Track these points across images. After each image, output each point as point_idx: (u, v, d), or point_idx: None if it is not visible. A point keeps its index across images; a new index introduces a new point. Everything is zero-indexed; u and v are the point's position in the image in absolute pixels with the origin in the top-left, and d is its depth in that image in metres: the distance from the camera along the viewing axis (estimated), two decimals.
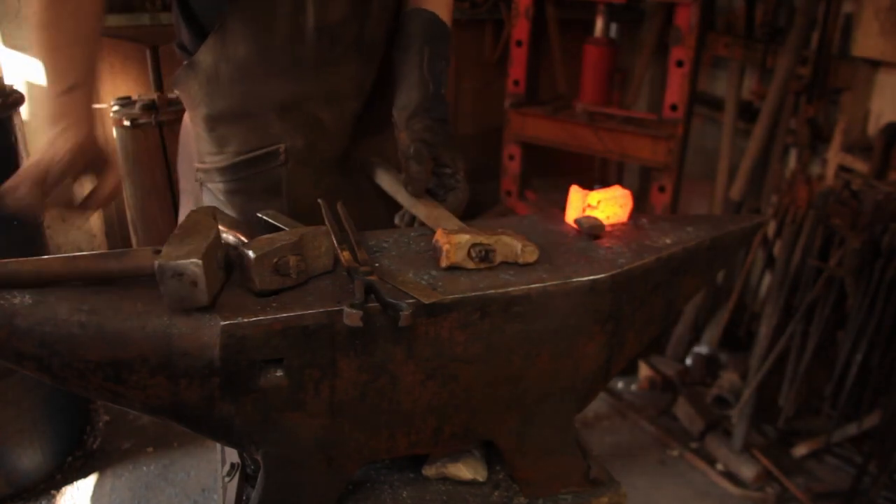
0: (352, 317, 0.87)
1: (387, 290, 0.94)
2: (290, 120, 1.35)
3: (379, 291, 0.92)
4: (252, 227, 1.09)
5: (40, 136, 1.12)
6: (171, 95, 2.78)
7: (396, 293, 0.95)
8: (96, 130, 1.15)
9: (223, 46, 1.26)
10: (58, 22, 1.14)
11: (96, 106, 3.02)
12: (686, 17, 2.64)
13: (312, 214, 1.30)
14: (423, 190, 1.24)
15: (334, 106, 1.37)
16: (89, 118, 1.15)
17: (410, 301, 0.92)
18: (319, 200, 1.15)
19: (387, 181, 1.33)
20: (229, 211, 1.36)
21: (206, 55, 1.29)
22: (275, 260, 0.94)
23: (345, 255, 1.00)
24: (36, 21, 1.13)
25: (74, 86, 1.13)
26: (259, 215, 1.15)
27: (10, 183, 1.06)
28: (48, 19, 1.13)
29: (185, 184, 1.54)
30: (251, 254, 0.93)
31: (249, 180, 1.37)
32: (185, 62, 1.33)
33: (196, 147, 1.42)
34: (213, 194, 1.42)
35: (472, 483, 1.16)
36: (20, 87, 2.20)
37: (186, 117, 1.49)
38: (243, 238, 1.04)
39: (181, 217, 1.53)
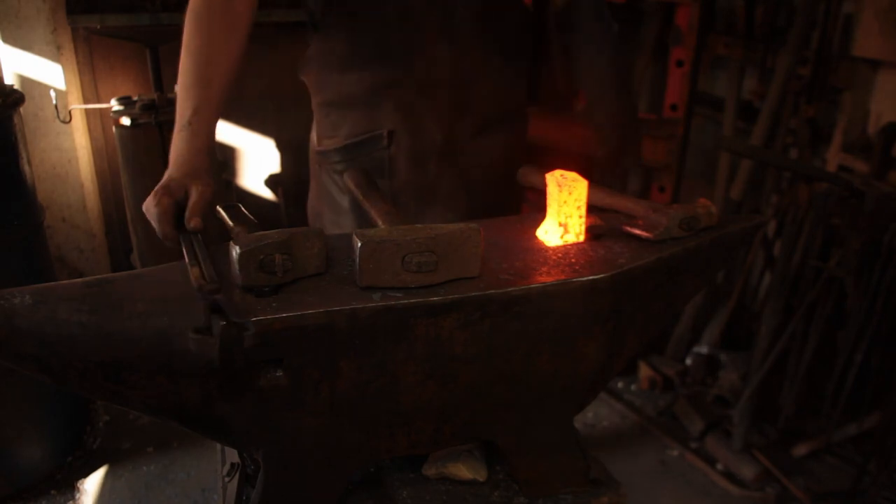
0: (200, 344, 0.85)
1: (235, 307, 0.90)
2: (389, 107, 1.44)
3: (224, 311, 0.88)
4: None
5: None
6: (170, 95, 2.78)
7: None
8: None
9: (326, 40, 1.43)
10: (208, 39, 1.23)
11: (96, 106, 3.01)
12: (686, 17, 2.64)
13: (414, 197, 1.47)
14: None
15: (427, 94, 1.44)
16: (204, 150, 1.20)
17: (258, 319, 0.89)
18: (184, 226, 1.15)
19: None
20: (344, 188, 1.49)
21: (315, 49, 1.47)
22: (260, 257, 0.94)
23: (194, 273, 0.93)
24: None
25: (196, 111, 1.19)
26: (218, 208, 1.15)
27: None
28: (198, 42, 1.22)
29: (312, 165, 1.67)
30: (237, 249, 0.93)
31: (358, 162, 1.47)
32: (306, 53, 1.50)
33: (316, 132, 1.57)
34: (328, 173, 1.55)
35: (472, 483, 1.16)
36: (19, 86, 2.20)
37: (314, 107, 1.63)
38: (244, 233, 1.04)
39: (310, 197, 1.66)
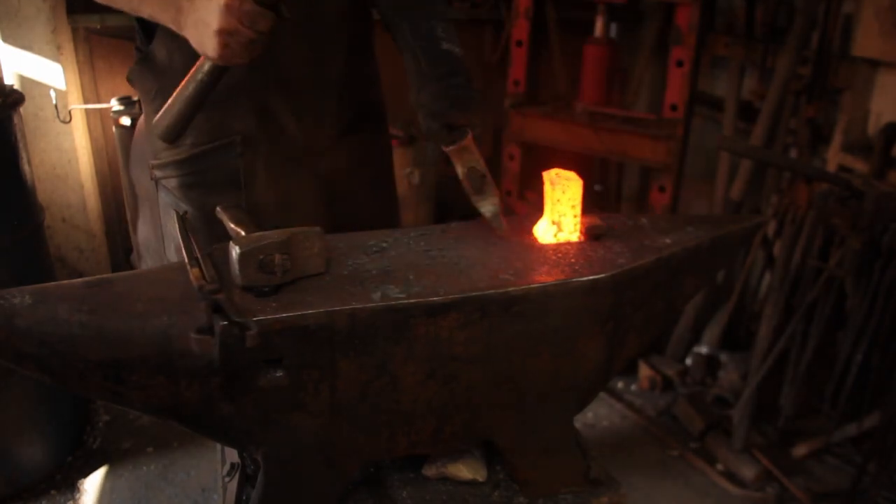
0: (202, 344, 0.84)
1: (235, 307, 0.90)
2: (243, 109, 1.31)
3: (225, 311, 0.88)
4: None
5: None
6: None
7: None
8: None
9: (174, 36, 1.21)
10: None
11: (96, 106, 3.00)
12: (686, 17, 2.64)
13: (274, 210, 1.31)
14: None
15: (286, 94, 1.33)
16: None
17: (258, 320, 0.89)
18: (177, 211, 1.10)
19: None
20: (185, 207, 1.33)
21: (159, 47, 1.29)
22: (260, 257, 0.94)
23: (194, 273, 0.93)
24: None
25: None
26: (218, 209, 1.14)
27: None
28: None
29: (140, 188, 1.49)
30: (237, 249, 0.93)
31: (207, 173, 1.34)
32: (140, 56, 1.33)
33: (151, 144, 1.38)
34: (168, 192, 1.38)
35: (472, 483, 1.16)
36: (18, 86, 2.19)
37: (141, 121, 1.46)
38: (243, 233, 1.04)
39: (140, 225, 1.49)
